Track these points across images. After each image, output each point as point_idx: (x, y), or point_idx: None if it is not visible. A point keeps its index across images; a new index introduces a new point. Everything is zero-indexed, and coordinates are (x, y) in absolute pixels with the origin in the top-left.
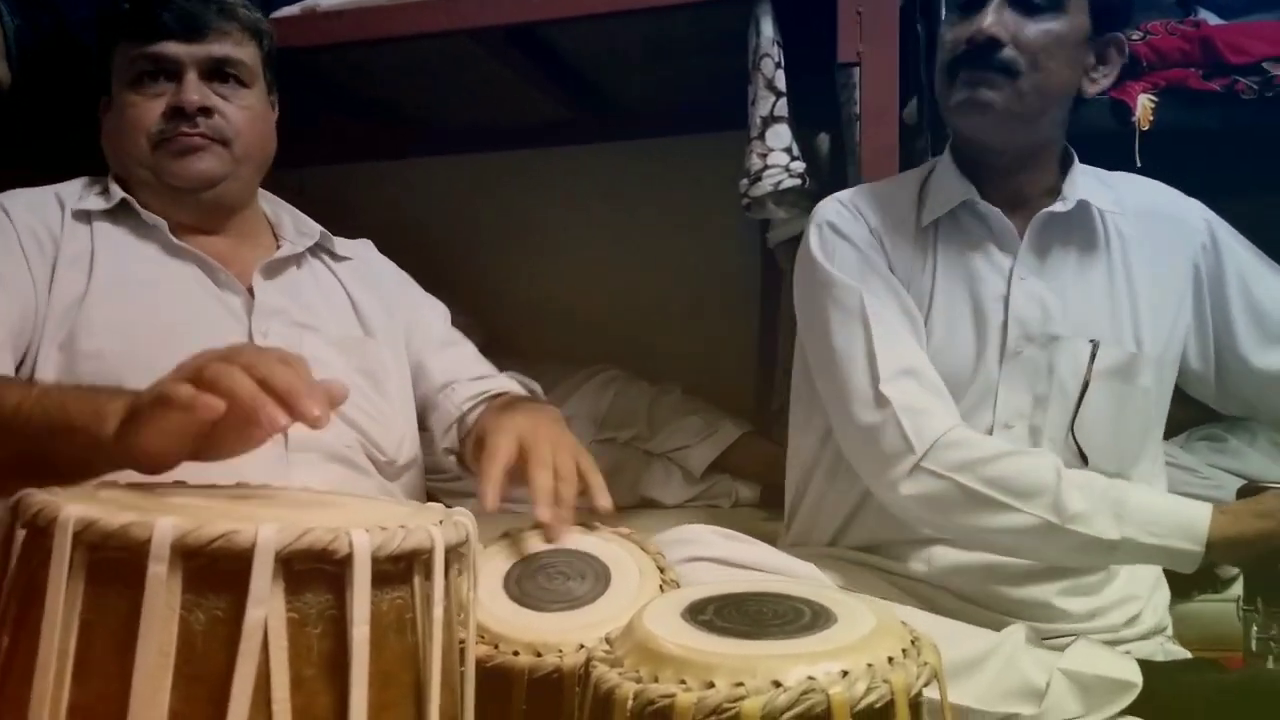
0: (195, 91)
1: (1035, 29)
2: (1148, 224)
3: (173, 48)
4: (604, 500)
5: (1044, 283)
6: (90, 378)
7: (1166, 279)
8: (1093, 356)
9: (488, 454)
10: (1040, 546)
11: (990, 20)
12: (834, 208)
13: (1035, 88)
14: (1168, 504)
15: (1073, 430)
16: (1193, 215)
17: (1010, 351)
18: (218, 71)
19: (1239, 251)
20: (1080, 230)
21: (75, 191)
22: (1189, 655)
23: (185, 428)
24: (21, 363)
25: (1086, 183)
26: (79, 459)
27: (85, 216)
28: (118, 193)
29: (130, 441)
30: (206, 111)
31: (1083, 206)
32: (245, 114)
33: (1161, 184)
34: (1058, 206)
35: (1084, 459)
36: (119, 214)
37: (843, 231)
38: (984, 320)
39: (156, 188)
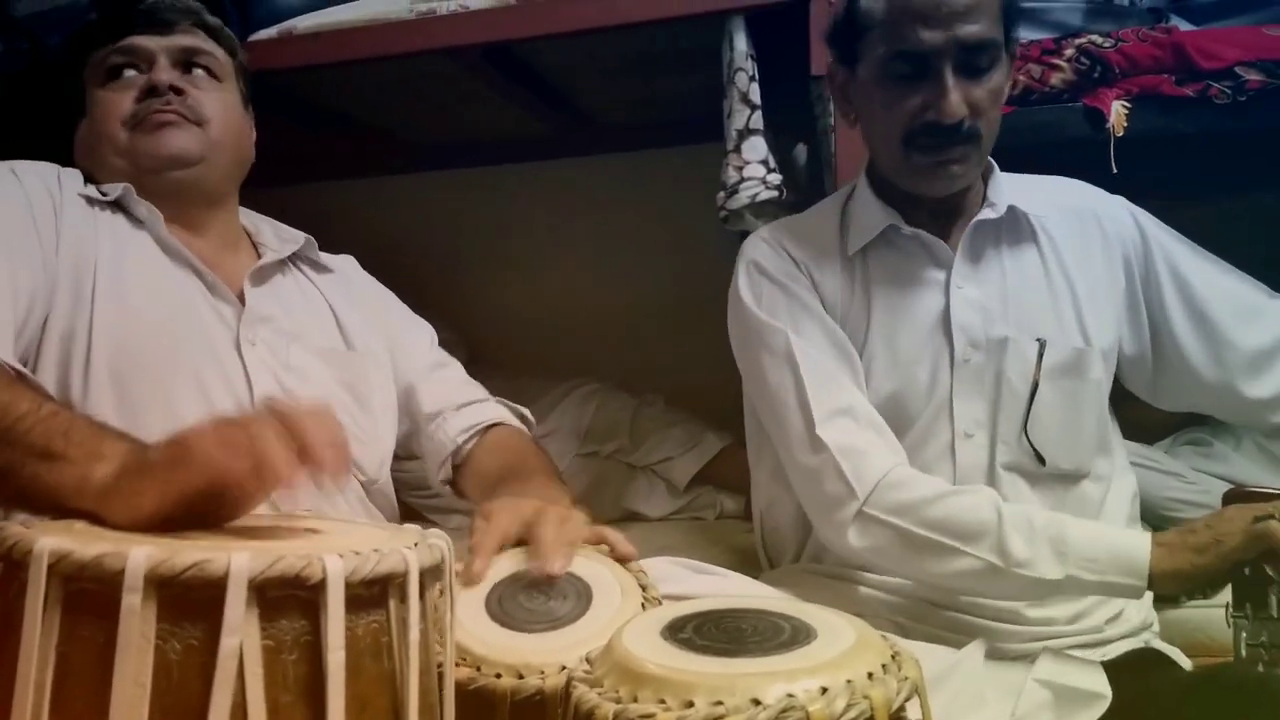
0: (167, 72)
1: (982, 91)
2: (1074, 222)
3: (143, 40)
4: (628, 549)
5: (981, 288)
6: (87, 372)
7: (1100, 272)
8: (1040, 355)
9: (492, 527)
10: (987, 588)
11: (955, 100)
12: (759, 245)
13: (990, 137)
14: (1107, 539)
15: (1026, 432)
16: (1119, 211)
17: (959, 361)
18: (189, 64)
19: (1169, 244)
20: (1010, 234)
21: (75, 177)
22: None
23: (190, 490)
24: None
25: (1011, 187)
26: (51, 491)
27: (88, 201)
28: (114, 187)
29: (121, 494)
30: (179, 91)
31: (1012, 211)
32: (218, 102)
33: (1083, 183)
34: (988, 214)
35: (1040, 460)
36: (115, 208)
37: (769, 271)
38: (928, 335)
39: (133, 180)
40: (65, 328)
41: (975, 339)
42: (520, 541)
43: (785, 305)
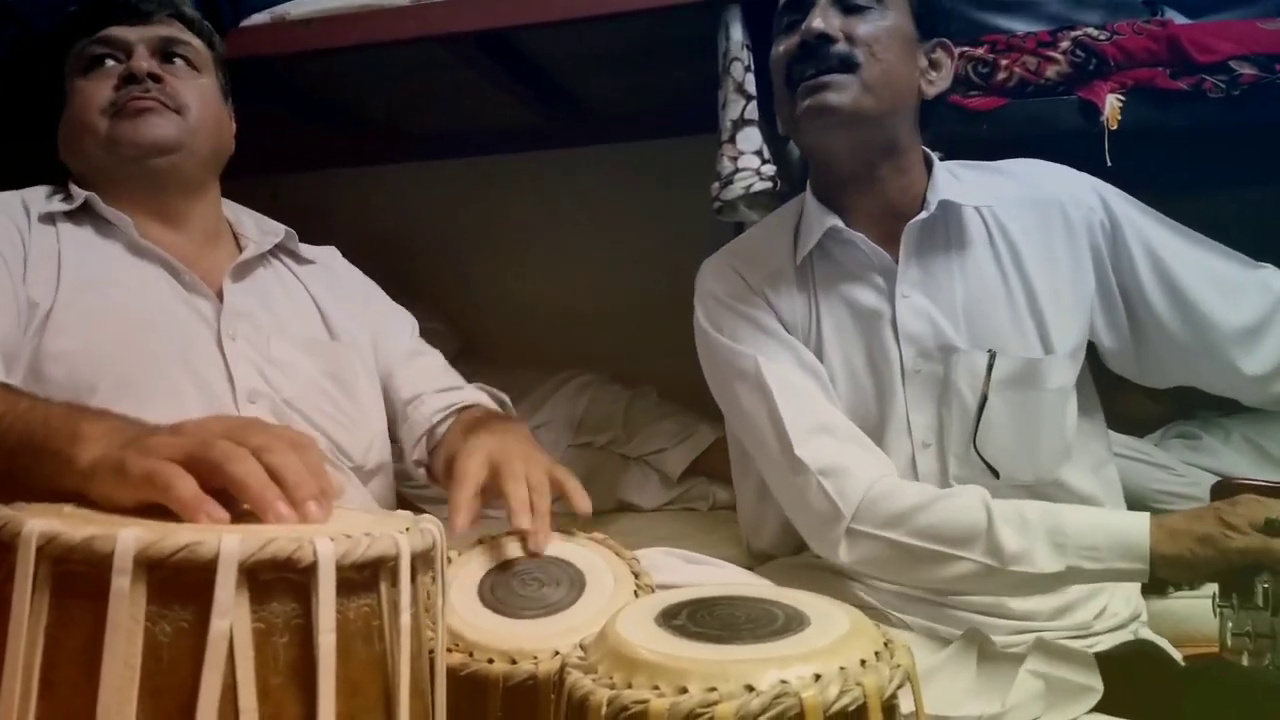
0: (146, 61)
1: (864, 26)
2: (1034, 212)
3: (121, 30)
4: (583, 503)
5: (929, 297)
6: (56, 379)
7: (1063, 269)
8: (990, 367)
9: (456, 478)
10: (985, 587)
11: (818, 20)
12: (712, 273)
13: (878, 81)
14: (1106, 524)
15: (975, 445)
16: (1085, 194)
17: (909, 371)
18: (167, 54)
19: (1141, 221)
20: (955, 232)
21: (39, 196)
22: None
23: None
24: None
25: (959, 180)
26: (46, 480)
27: (50, 219)
28: (80, 193)
29: (100, 484)
30: (158, 79)
31: (945, 206)
32: (196, 90)
33: (1050, 165)
34: (922, 214)
35: (994, 473)
36: (82, 215)
37: (724, 300)
38: (878, 345)
39: (113, 169)
40: (34, 345)
41: (925, 349)
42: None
43: (748, 331)
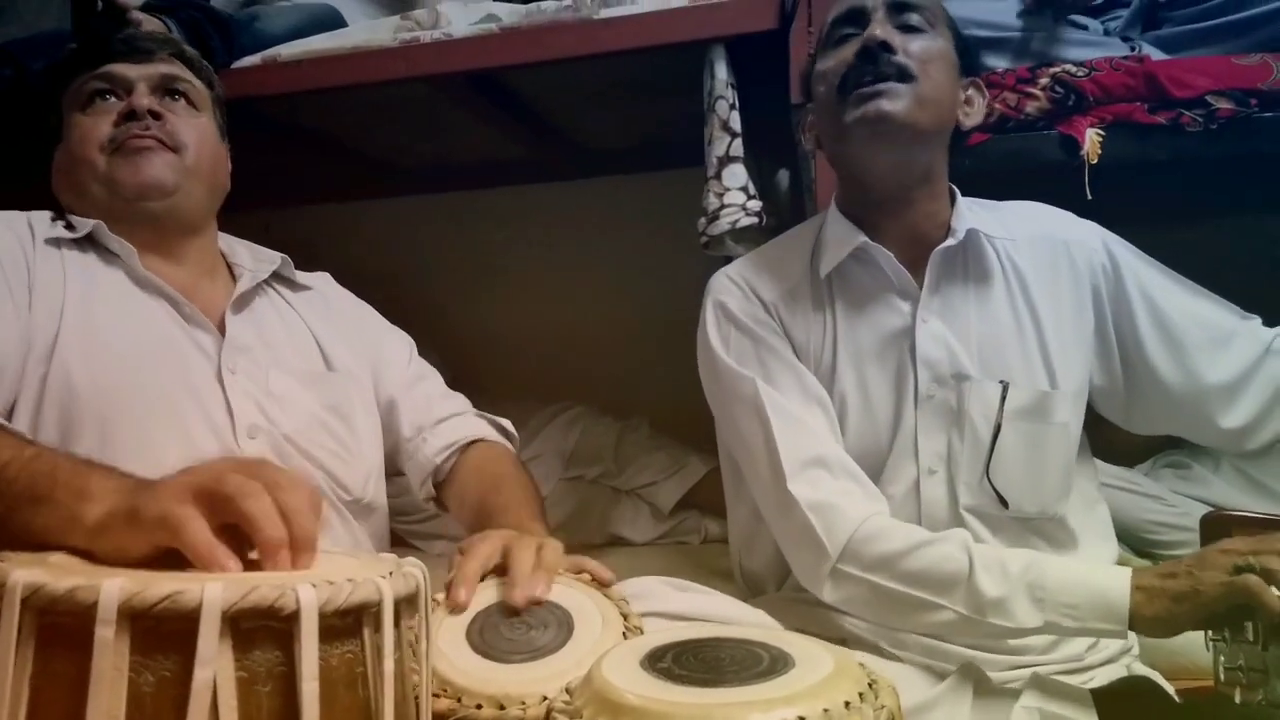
0: (146, 98)
1: (917, 43)
2: (1042, 251)
3: (123, 67)
4: (607, 574)
5: (946, 324)
6: (55, 411)
7: (1067, 308)
8: (1003, 398)
9: (467, 553)
10: (968, 634)
11: (879, 29)
12: (726, 285)
13: (930, 96)
14: (1087, 583)
15: (988, 474)
16: (1089, 238)
17: (923, 396)
18: (167, 91)
19: (1141, 269)
20: (975, 263)
21: (44, 220)
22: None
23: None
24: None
25: (975, 214)
26: (47, 532)
27: (56, 244)
28: (85, 222)
29: (111, 536)
30: (157, 116)
31: (972, 235)
32: (195, 130)
33: (1056, 209)
34: (950, 241)
35: (1003, 503)
36: (86, 243)
37: (735, 315)
38: (893, 368)
39: (110, 207)
40: (39, 375)
41: (939, 375)
42: (500, 570)
43: (754, 352)
